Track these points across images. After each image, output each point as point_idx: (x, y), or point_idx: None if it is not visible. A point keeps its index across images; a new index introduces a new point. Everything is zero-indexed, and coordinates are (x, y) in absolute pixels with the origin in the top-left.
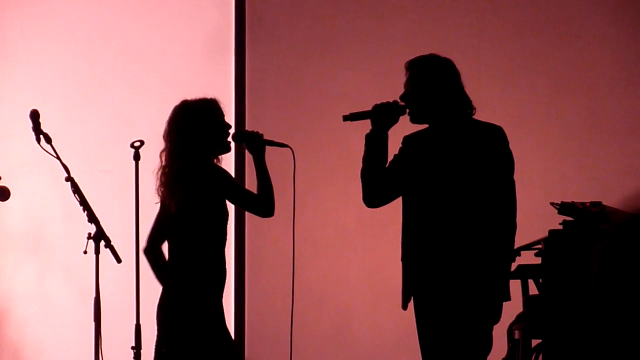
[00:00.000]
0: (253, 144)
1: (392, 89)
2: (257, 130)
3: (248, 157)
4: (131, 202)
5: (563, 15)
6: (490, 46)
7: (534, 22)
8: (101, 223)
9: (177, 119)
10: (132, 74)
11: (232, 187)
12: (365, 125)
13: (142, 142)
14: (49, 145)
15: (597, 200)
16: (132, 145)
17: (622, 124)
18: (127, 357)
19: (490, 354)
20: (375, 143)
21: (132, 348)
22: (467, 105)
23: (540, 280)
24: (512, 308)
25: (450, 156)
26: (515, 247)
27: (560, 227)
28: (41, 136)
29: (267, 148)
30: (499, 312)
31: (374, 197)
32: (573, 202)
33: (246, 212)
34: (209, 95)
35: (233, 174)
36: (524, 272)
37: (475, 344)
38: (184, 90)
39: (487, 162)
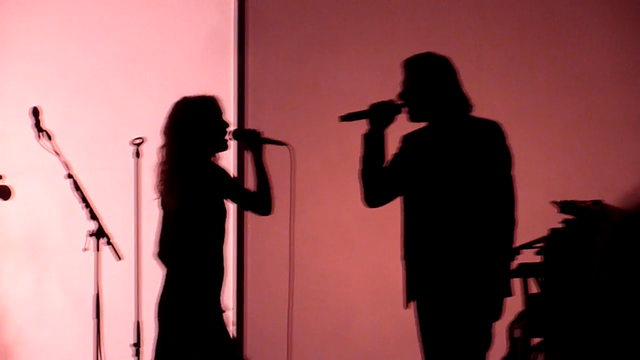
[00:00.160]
0: (252, 142)
1: (393, 88)
2: (256, 128)
3: (248, 155)
4: (132, 200)
5: (564, 14)
6: (491, 44)
7: (534, 21)
8: (102, 220)
9: (176, 115)
10: (133, 71)
11: (230, 185)
12: (365, 123)
13: (142, 140)
14: (49, 143)
15: (598, 199)
16: (132, 143)
17: (623, 122)
18: (127, 354)
19: (491, 352)
20: (372, 142)
21: (133, 345)
22: (465, 102)
23: (541, 279)
24: (512, 306)
25: (449, 153)
26: (516, 245)
27: (562, 225)
28: (42, 133)
29: (267, 146)
30: (499, 308)
31: (373, 197)
32: (574, 201)
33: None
34: (208, 93)
35: (233, 172)
36: (525, 271)
37: (475, 339)
38: (185, 88)
39: (486, 157)
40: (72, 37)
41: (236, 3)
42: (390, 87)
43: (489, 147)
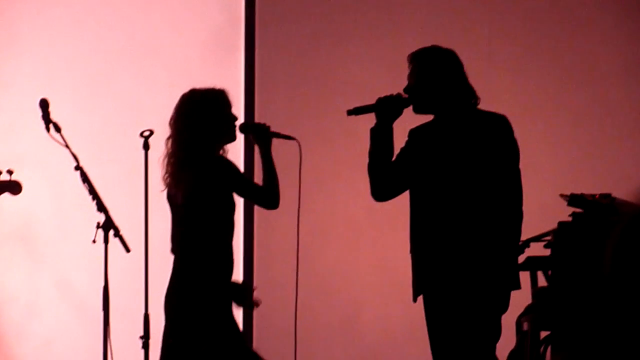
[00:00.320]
0: (260, 135)
1: (401, 81)
2: (265, 122)
3: (256, 149)
4: (140, 192)
5: (573, 7)
6: (501, 38)
7: (544, 14)
8: (110, 212)
9: (185, 107)
10: (142, 64)
11: (237, 178)
12: (373, 116)
13: (151, 132)
14: (58, 134)
15: (606, 192)
16: (141, 135)
17: (632, 116)
18: (135, 346)
19: (499, 345)
20: (380, 136)
21: (141, 338)
22: (471, 96)
23: (549, 272)
24: (521, 300)
25: (456, 147)
26: (524, 238)
27: (570, 219)
28: (50, 125)
29: (275, 140)
30: (507, 301)
31: (382, 191)
32: (582, 194)
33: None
34: (217, 86)
35: (242, 166)
36: (533, 264)
37: (483, 332)
38: (193, 81)
39: (493, 151)
40: (80, 31)
41: None
42: (398, 81)
43: (496, 140)
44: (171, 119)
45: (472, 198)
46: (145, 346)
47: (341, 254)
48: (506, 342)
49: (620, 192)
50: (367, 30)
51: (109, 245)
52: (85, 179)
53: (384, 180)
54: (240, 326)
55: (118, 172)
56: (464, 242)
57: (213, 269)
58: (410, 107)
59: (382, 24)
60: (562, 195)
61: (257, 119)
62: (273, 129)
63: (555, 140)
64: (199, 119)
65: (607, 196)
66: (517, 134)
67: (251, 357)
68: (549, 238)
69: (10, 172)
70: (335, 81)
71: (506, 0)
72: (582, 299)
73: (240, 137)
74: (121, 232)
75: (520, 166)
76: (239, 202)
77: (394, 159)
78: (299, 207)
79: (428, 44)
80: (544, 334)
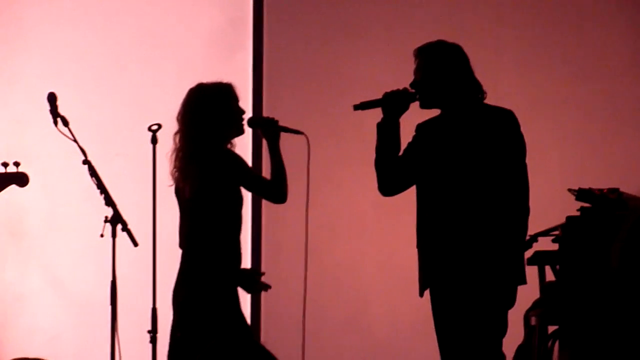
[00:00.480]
0: (268, 130)
1: (408, 76)
2: (273, 116)
3: (264, 143)
4: (148, 186)
5: (581, 1)
6: (508, 32)
7: (551, 9)
8: (118, 206)
9: (192, 102)
10: (150, 58)
11: (245, 172)
12: (380, 111)
13: (159, 126)
14: (66, 128)
15: (614, 186)
16: (149, 129)
17: None
18: (143, 341)
19: (508, 340)
20: (387, 131)
21: (149, 332)
22: (478, 90)
23: (557, 266)
24: (528, 294)
25: (462, 142)
26: (532, 233)
27: (578, 213)
28: (58, 119)
29: (283, 134)
30: (513, 296)
31: (389, 185)
32: (591, 189)
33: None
34: (224, 80)
35: (250, 160)
36: (541, 259)
37: (490, 327)
38: (201, 76)
39: (499, 146)
40: (88, 25)
41: None
42: (407, 75)
43: (502, 135)
44: (179, 114)
45: (478, 193)
46: (153, 340)
47: (349, 248)
48: (514, 337)
49: (629, 186)
50: (374, 25)
51: (117, 239)
52: (93, 172)
53: (391, 175)
54: (248, 320)
55: (126, 166)
56: (470, 237)
57: (221, 263)
58: (417, 102)
59: (389, 19)
60: (570, 190)
61: (265, 114)
62: (281, 123)
63: (564, 135)
64: (207, 113)
65: (615, 191)
66: (525, 128)
67: (259, 351)
68: (557, 233)
69: (17, 164)
70: (343, 76)
71: None
72: (590, 294)
73: (248, 132)
74: (129, 226)
75: (528, 161)
76: (247, 196)
77: (401, 153)
78: (307, 201)
79: (435, 38)
80: (551, 328)
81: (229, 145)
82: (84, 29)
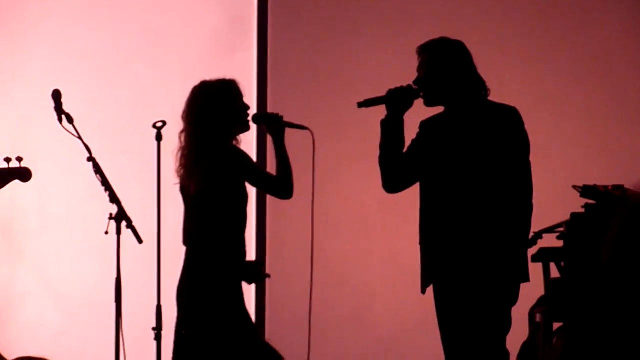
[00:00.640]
0: (273, 125)
1: (414, 72)
2: (277, 112)
3: (269, 139)
4: (153, 183)
5: None
6: (512, 29)
7: (556, 5)
8: (122, 204)
9: (196, 100)
10: (154, 55)
11: (251, 168)
12: (384, 108)
13: (164, 123)
14: (70, 125)
15: (619, 183)
16: (154, 126)
17: None
18: (148, 338)
19: (512, 337)
20: (391, 128)
21: (153, 329)
22: (481, 87)
23: (562, 263)
24: (533, 291)
25: (466, 139)
26: (537, 230)
27: (583, 210)
28: (63, 116)
29: (288, 130)
30: (516, 293)
31: (393, 182)
32: (595, 185)
33: (267, 194)
34: (228, 77)
35: (255, 156)
36: (546, 255)
37: (493, 324)
38: (206, 72)
39: (503, 143)
40: (93, 21)
41: None
42: (410, 72)
43: (506, 132)
44: (183, 112)
45: (482, 190)
46: (158, 338)
47: (353, 245)
48: (519, 335)
49: (633, 183)
50: (379, 22)
51: (121, 236)
52: (97, 170)
53: (395, 172)
54: (253, 317)
55: (130, 163)
56: (473, 234)
57: (225, 260)
58: (421, 99)
59: (394, 16)
60: (574, 187)
61: (269, 110)
62: (285, 119)
63: (568, 132)
64: (212, 110)
65: (619, 187)
66: (529, 125)
67: (263, 348)
68: (561, 229)
69: (19, 160)
70: (348, 72)
71: None
72: (595, 291)
73: (252, 128)
74: (133, 223)
75: (533, 158)
76: (251, 193)
77: (405, 150)
78: (313, 197)
79: (439, 35)
80: (556, 325)
81: (234, 142)
82: (88, 27)
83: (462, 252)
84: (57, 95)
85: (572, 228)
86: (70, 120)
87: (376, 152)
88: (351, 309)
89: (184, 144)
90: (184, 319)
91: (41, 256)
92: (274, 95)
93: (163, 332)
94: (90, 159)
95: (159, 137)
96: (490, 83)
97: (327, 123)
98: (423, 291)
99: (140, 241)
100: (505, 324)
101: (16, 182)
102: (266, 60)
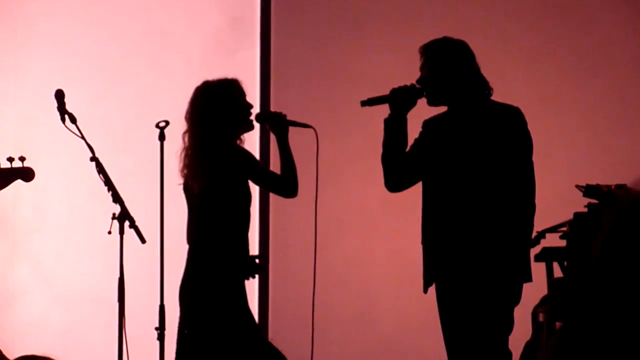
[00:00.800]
0: (276, 124)
1: (417, 71)
2: (280, 111)
3: (272, 138)
4: (156, 183)
5: None
6: (515, 28)
7: (559, 3)
8: (125, 203)
9: (199, 100)
10: (157, 55)
11: (255, 167)
12: (388, 107)
13: (167, 123)
14: (73, 125)
15: (622, 183)
16: (157, 126)
17: None
18: (151, 338)
19: (515, 336)
20: (394, 127)
21: (156, 329)
22: (484, 87)
23: (565, 263)
24: (536, 291)
25: (469, 138)
26: (540, 229)
27: (585, 209)
28: (66, 116)
29: (291, 129)
30: (519, 293)
31: (395, 181)
32: (598, 185)
33: (270, 194)
34: (231, 76)
35: (258, 155)
36: (549, 255)
37: (495, 324)
38: (209, 71)
39: (506, 143)
40: (96, 22)
41: None
42: (414, 71)
43: (509, 132)
44: (187, 113)
45: (484, 190)
46: (161, 337)
47: (356, 244)
48: (523, 334)
49: (636, 182)
50: (382, 20)
51: (124, 236)
52: (100, 169)
53: (398, 171)
54: (256, 317)
55: (133, 163)
56: (475, 234)
57: (228, 259)
58: (424, 98)
59: (397, 15)
60: (577, 186)
61: (272, 109)
62: (289, 118)
63: (571, 131)
64: (215, 110)
65: (622, 187)
66: (532, 124)
67: (266, 348)
68: (564, 229)
69: (22, 159)
70: (351, 71)
71: None
72: (584, 289)
73: (255, 127)
74: (136, 223)
75: (536, 157)
76: (254, 193)
77: (407, 149)
78: (316, 196)
79: (443, 34)
80: (560, 325)
81: (238, 142)
82: (90, 27)
83: (464, 251)
84: (59, 95)
85: (575, 228)
86: (73, 120)
87: (379, 151)
88: (354, 308)
89: (187, 144)
90: (186, 319)
91: (44, 256)
92: (276, 94)
93: (166, 332)
94: (93, 158)
95: (161, 137)
96: (492, 83)
97: (330, 121)
98: (425, 290)
99: (143, 241)
100: (508, 324)
101: (19, 181)
102: (269, 59)
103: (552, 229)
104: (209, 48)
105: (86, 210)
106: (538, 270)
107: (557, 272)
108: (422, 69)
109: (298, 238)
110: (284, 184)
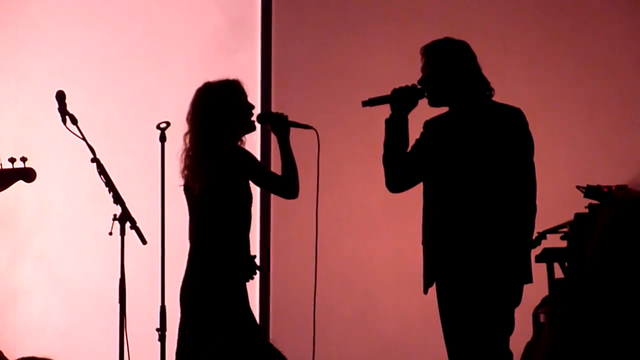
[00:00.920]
0: (277, 125)
1: (418, 71)
2: (281, 112)
3: (273, 139)
4: (157, 184)
5: None
6: (517, 29)
7: (560, 4)
8: (126, 204)
9: (200, 101)
10: (158, 55)
11: (256, 168)
12: (389, 107)
13: (168, 124)
14: (74, 126)
15: (622, 184)
16: (158, 127)
17: None
18: (151, 339)
19: (516, 337)
20: (395, 128)
21: (157, 330)
22: (486, 87)
23: (566, 263)
24: (537, 292)
25: (470, 139)
26: (541, 230)
27: (586, 210)
28: (67, 117)
29: (292, 130)
30: (519, 294)
31: (396, 182)
32: (599, 186)
33: (271, 195)
34: (232, 77)
35: (258, 156)
36: (550, 256)
37: (495, 325)
38: (210, 71)
39: (507, 144)
40: (97, 22)
41: None
42: (416, 72)
43: (510, 133)
44: (188, 114)
45: (485, 191)
46: (162, 338)
47: (357, 244)
48: (524, 335)
49: (637, 184)
50: (383, 21)
51: (125, 237)
52: (101, 170)
53: (399, 171)
54: (257, 317)
55: (134, 164)
56: (476, 235)
57: (229, 260)
58: (425, 99)
59: (398, 15)
60: (578, 187)
61: (274, 109)
62: (290, 119)
63: (572, 132)
64: (216, 111)
65: (623, 188)
66: (533, 125)
67: (267, 349)
68: (565, 230)
69: (23, 160)
70: (352, 72)
71: None
72: (579, 289)
73: (256, 128)
74: (137, 224)
75: (537, 158)
76: (255, 193)
77: (408, 150)
78: (317, 197)
79: (444, 35)
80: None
81: (239, 142)
82: (91, 28)
83: (465, 252)
84: (60, 96)
85: (575, 228)
86: (74, 121)
87: (380, 152)
88: (355, 309)
89: (188, 145)
90: (187, 320)
91: (45, 257)
92: (278, 95)
93: (167, 333)
94: (94, 159)
95: (162, 138)
96: (493, 83)
97: (331, 122)
98: (425, 291)
99: (144, 242)
100: (508, 325)
101: (20, 182)
102: (270, 59)
103: (553, 230)
104: (209, 49)
105: (87, 211)
106: (539, 271)
107: (558, 273)
108: (423, 69)
109: (299, 238)
110: (285, 185)
